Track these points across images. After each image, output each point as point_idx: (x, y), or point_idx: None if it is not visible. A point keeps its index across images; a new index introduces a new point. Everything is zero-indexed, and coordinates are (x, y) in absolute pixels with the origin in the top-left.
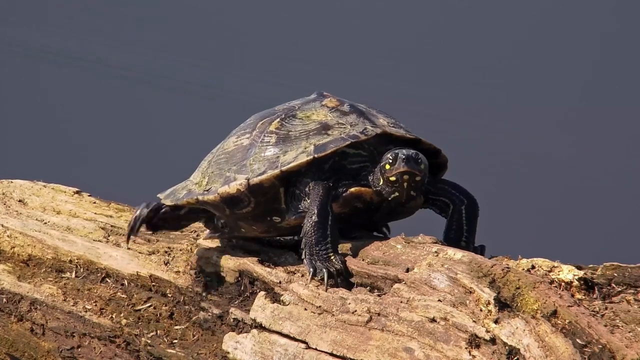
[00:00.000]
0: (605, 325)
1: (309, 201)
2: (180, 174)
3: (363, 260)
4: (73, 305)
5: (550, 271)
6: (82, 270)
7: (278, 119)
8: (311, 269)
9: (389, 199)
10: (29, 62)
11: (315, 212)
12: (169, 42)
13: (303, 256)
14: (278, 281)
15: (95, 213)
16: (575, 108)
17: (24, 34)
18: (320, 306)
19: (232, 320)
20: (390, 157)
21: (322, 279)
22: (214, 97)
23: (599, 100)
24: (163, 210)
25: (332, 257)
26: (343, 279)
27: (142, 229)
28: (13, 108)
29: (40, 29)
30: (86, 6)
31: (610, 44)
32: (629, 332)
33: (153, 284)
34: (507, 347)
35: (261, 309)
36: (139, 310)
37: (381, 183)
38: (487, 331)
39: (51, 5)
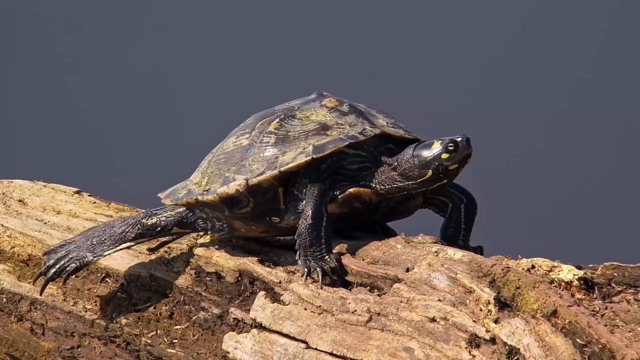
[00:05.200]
0: (605, 325)
1: (304, 202)
2: (180, 173)
3: (363, 260)
4: (73, 305)
5: (550, 271)
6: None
7: (277, 119)
8: (305, 269)
9: (432, 187)
10: (30, 62)
11: (309, 214)
12: (168, 43)
13: (297, 257)
14: (278, 281)
15: (95, 213)
16: (576, 108)
17: (24, 35)
18: (320, 306)
19: (232, 320)
20: (451, 145)
21: (318, 278)
22: (214, 97)
23: (599, 99)
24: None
25: (327, 257)
26: (338, 277)
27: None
28: (13, 108)
29: (39, 29)
30: (86, 7)
31: (606, 42)
32: (629, 332)
33: (153, 283)
34: (507, 347)
35: (261, 308)
36: (139, 310)
37: (428, 176)
38: (487, 331)
39: (58, 9)
